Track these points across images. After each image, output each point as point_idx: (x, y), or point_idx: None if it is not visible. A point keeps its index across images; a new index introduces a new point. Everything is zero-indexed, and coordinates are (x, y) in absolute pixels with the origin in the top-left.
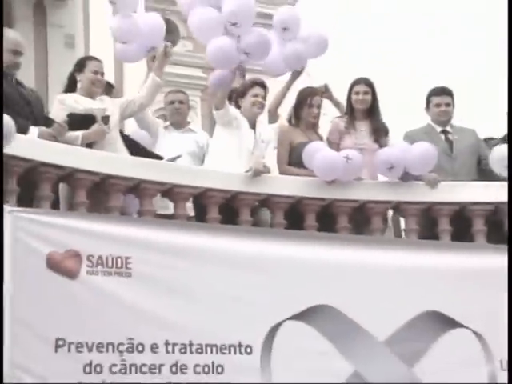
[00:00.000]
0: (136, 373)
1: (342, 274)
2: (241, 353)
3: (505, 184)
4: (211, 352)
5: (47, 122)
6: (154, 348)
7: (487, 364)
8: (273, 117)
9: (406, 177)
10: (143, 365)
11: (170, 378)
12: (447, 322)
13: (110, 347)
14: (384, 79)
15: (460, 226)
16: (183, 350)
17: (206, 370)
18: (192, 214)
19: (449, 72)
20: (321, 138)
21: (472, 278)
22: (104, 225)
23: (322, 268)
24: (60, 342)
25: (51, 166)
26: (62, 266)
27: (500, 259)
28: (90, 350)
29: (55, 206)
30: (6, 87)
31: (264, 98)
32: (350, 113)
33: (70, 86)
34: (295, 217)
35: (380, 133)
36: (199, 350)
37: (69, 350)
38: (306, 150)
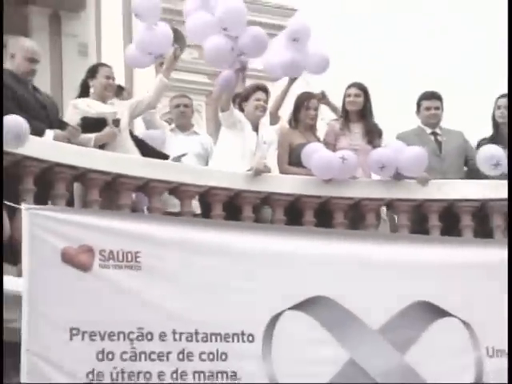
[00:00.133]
0: (145, 360)
1: (339, 266)
2: (243, 341)
3: (490, 182)
4: (216, 340)
5: (62, 125)
6: (162, 336)
7: (474, 351)
8: (274, 118)
9: (398, 176)
10: (152, 352)
11: (177, 365)
12: (437, 312)
13: (121, 336)
14: (384, 81)
15: (449, 221)
16: (189, 339)
17: (211, 357)
18: (198, 211)
19: (448, 73)
20: (318, 140)
21: (460, 270)
22: (115, 221)
23: (320, 261)
24: (74, 331)
25: (65, 167)
26: (76, 259)
27: (486, 252)
28: (103, 339)
29: (70, 203)
30: (23, 93)
31: (266, 101)
32: (345, 115)
33: (83, 92)
34: (294, 213)
35: (373, 134)
36: (204, 339)
37: (83, 339)
38: (305, 150)
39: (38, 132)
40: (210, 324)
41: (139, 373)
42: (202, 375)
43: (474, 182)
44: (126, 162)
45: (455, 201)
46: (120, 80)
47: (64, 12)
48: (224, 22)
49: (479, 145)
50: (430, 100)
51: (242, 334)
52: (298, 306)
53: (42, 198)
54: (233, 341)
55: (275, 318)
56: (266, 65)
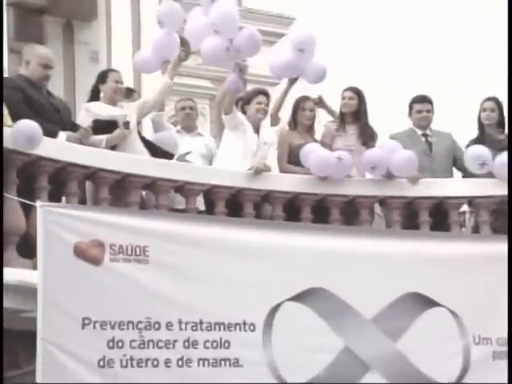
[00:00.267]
0: (153, 347)
1: (335, 260)
2: (245, 330)
3: (476, 180)
4: (219, 329)
5: (74, 127)
6: (168, 326)
7: (461, 339)
8: (274, 120)
9: (390, 175)
10: (159, 340)
11: (183, 352)
12: (426, 302)
13: (130, 325)
14: (382, 83)
15: (438, 217)
16: (194, 328)
17: (215, 345)
18: (202, 208)
19: (448, 72)
20: (315, 141)
21: (448, 263)
22: (124, 217)
23: (317, 255)
24: (86, 321)
25: (78, 166)
26: (88, 253)
27: (473, 246)
28: (113, 328)
29: (82, 201)
30: (38, 97)
31: (267, 105)
32: (341, 118)
33: (94, 96)
34: (293, 210)
35: (367, 135)
36: (208, 328)
37: (94, 328)
38: (303, 150)
39: (51, 134)
40: (213, 314)
41: (147, 360)
42: (206, 362)
43: (461, 180)
44: (134, 161)
45: (444, 198)
46: (128, 84)
47: (77, 21)
48: (215, 26)
49: (467, 146)
50: (422, 103)
51: (244, 323)
52: (296, 298)
53: (55, 196)
54: (235, 330)
55: (275, 309)
56: (270, 67)
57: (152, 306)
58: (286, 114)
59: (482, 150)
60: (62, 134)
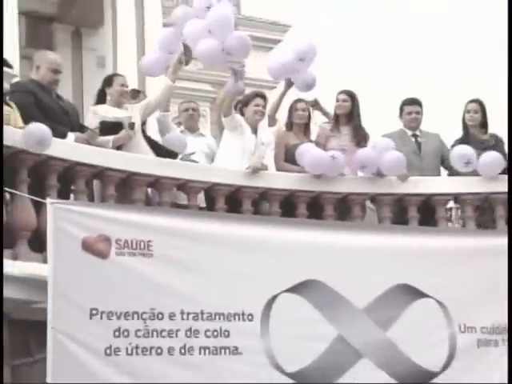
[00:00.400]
0: (157, 337)
1: (329, 253)
2: (244, 320)
3: (462, 178)
4: (219, 319)
5: (82, 128)
6: (171, 316)
7: (448, 328)
8: (272, 121)
9: (381, 173)
10: (163, 330)
11: (185, 341)
12: (415, 293)
13: (135, 315)
14: (378, 85)
15: (426, 213)
16: (196, 318)
17: (215, 334)
18: (203, 204)
19: (448, 73)
20: (311, 141)
21: (436, 256)
22: (129, 213)
23: (312, 249)
24: (94, 311)
25: (85, 165)
26: (95, 248)
27: (460, 240)
28: (119, 318)
29: (90, 198)
30: (48, 101)
31: (264, 107)
32: (335, 119)
33: (100, 99)
34: (289, 207)
35: (360, 136)
36: (209, 318)
37: (101, 318)
38: (298, 150)
39: (61, 135)
40: (214, 305)
41: (151, 348)
42: (207, 350)
43: (446, 178)
44: (139, 161)
45: (432, 195)
46: (134, 87)
47: (85, 29)
48: (210, 28)
49: (453, 146)
50: (412, 105)
51: (243, 313)
52: (292, 289)
53: (64, 194)
54: (234, 320)
55: (272, 300)
56: (268, 68)
57: (156, 298)
58: (282, 115)
59: (467, 150)
60: (71, 135)
